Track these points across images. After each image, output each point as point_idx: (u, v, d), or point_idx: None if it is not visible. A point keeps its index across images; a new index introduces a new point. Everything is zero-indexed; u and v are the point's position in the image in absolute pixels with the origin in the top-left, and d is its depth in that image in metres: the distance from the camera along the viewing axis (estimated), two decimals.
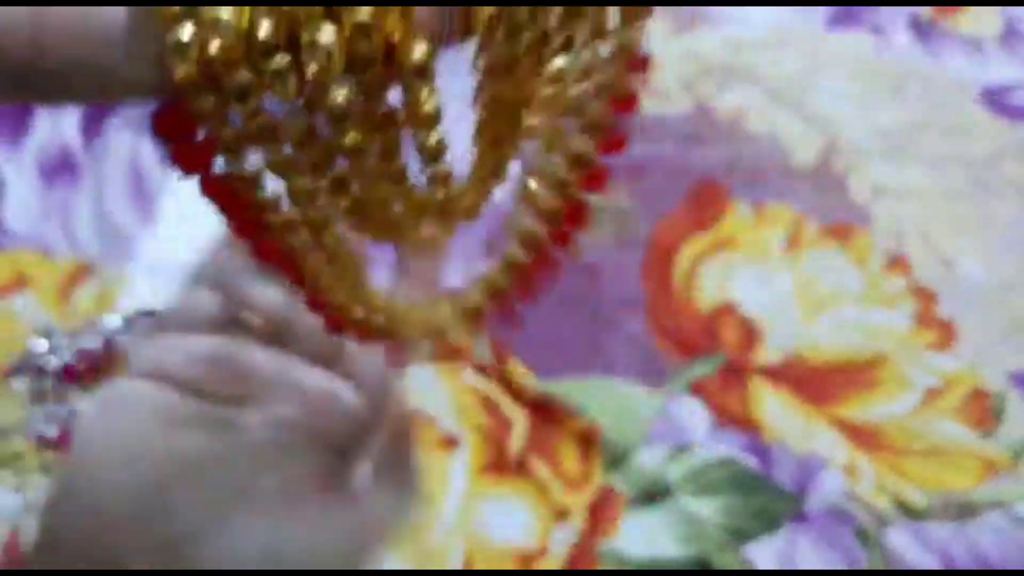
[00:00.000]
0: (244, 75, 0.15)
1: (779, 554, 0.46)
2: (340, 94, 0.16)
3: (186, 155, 0.17)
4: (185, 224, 0.57)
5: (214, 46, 0.15)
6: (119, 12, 0.15)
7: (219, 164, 0.17)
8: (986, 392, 0.51)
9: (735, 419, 0.50)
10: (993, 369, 0.52)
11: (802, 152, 0.62)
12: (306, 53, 0.15)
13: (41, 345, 0.51)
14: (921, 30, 0.68)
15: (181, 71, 0.15)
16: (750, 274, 0.56)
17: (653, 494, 0.48)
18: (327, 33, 0.15)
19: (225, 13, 0.15)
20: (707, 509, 0.48)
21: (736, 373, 0.52)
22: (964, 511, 0.47)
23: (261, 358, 0.31)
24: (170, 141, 0.17)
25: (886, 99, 0.65)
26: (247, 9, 0.15)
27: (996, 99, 0.64)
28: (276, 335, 0.32)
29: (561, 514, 0.47)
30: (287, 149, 0.17)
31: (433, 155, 0.18)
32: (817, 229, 0.58)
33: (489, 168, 0.21)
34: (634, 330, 0.54)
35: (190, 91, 0.15)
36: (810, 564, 0.46)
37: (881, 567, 0.46)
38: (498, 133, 0.20)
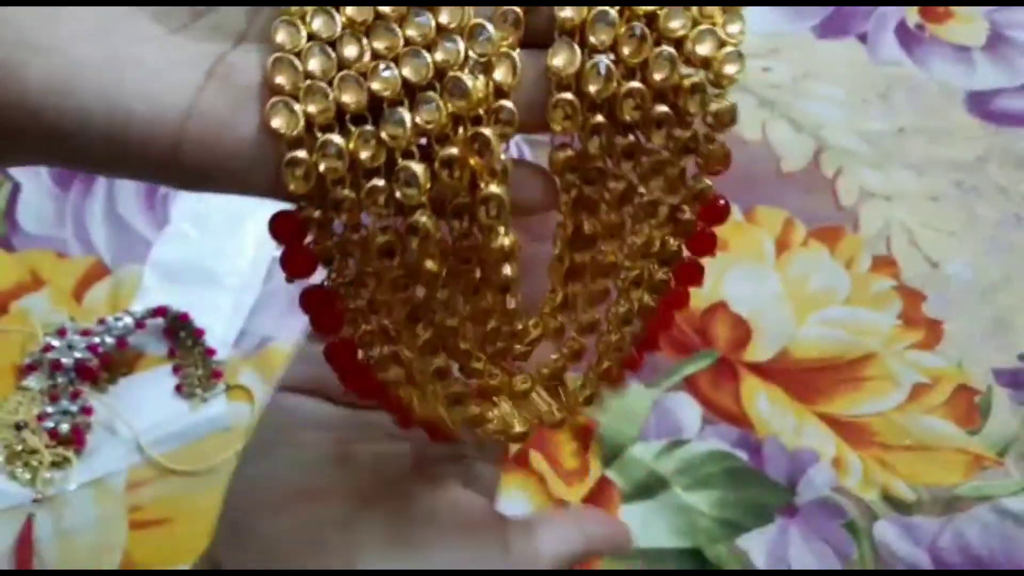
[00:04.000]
0: (345, 192, 0.19)
1: (771, 546, 0.47)
2: (424, 216, 0.19)
3: (293, 260, 0.20)
4: (196, 226, 0.58)
5: (322, 166, 0.18)
6: (250, 127, 0.19)
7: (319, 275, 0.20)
8: (972, 389, 0.52)
9: (727, 415, 0.51)
10: (979, 367, 0.53)
11: (792, 157, 0.63)
12: (398, 179, 0.19)
13: (55, 343, 0.52)
14: (909, 38, 0.69)
15: (293, 184, 0.18)
16: (742, 275, 0.57)
17: (648, 487, 0.49)
18: (417, 164, 0.18)
19: (336, 138, 0.18)
20: (700, 502, 0.49)
21: (728, 370, 0.53)
22: (951, 505, 0.48)
23: None
24: (282, 243, 0.20)
25: (874, 105, 0.65)
26: (354, 135, 0.18)
27: (981, 104, 0.65)
28: None
29: (559, 506, 0.47)
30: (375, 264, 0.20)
31: (501, 287, 0.20)
32: (807, 231, 0.59)
33: (558, 305, 0.23)
34: None
35: (300, 201, 0.19)
36: (801, 556, 0.47)
37: (870, 559, 0.47)
38: (573, 268, 0.22)
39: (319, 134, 0.19)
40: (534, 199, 0.20)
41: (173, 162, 0.19)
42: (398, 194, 0.19)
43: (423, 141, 0.19)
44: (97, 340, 0.51)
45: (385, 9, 0.19)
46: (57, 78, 0.18)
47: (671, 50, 0.19)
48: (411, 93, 0.19)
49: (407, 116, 0.19)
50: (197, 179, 0.19)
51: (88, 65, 0.18)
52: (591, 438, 0.50)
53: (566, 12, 0.19)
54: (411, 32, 0.19)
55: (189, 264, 0.56)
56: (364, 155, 0.19)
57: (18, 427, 0.50)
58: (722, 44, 0.19)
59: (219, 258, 0.56)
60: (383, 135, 0.19)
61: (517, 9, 0.19)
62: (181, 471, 0.50)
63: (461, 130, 0.19)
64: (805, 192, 0.61)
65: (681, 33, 0.19)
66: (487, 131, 0.19)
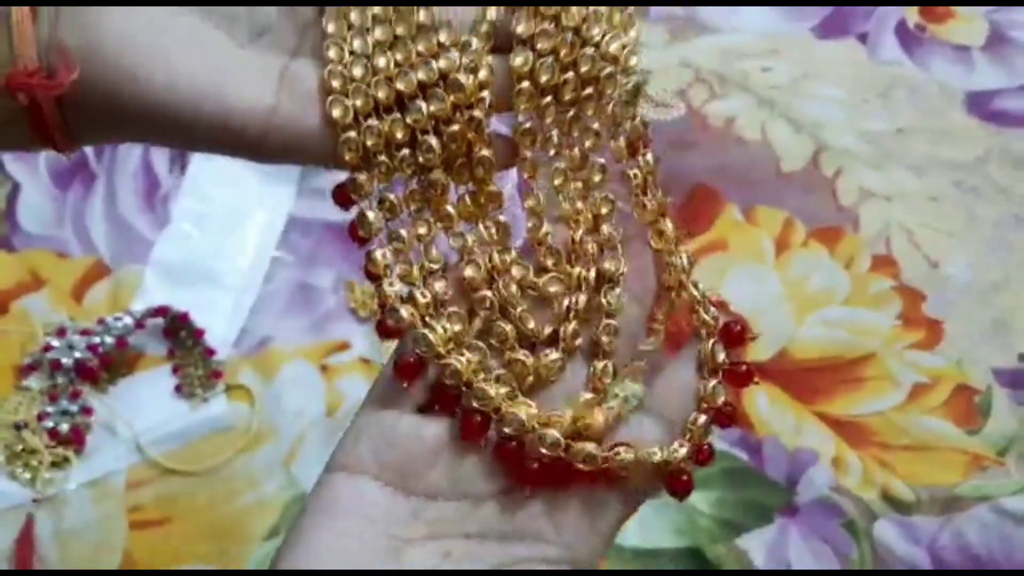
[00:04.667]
0: (383, 159, 0.27)
1: (770, 545, 0.47)
2: (439, 173, 0.28)
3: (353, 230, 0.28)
4: (196, 226, 0.58)
5: (369, 142, 0.27)
6: (316, 118, 0.27)
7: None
8: (971, 389, 0.53)
9: None
10: (978, 367, 0.53)
11: (792, 157, 0.63)
12: (420, 149, 0.27)
13: (55, 343, 0.52)
14: (908, 38, 0.69)
15: (347, 156, 0.27)
16: (742, 275, 0.57)
17: None
18: (433, 138, 0.27)
19: (375, 123, 0.27)
20: (700, 502, 0.49)
21: None
22: (950, 505, 0.49)
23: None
24: (341, 206, 0.28)
25: (874, 105, 0.65)
26: (387, 120, 0.27)
27: (981, 105, 0.65)
28: None
29: None
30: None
31: (500, 232, 0.29)
32: (806, 231, 0.59)
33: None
34: None
35: (352, 167, 0.27)
36: (801, 555, 0.47)
37: (870, 558, 0.47)
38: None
39: (363, 120, 0.27)
40: (504, 157, 0.28)
41: (262, 144, 0.26)
42: (421, 159, 0.28)
43: (433, 122, 0.28)
44: (97, 340, 0.51)
45: (401, 31, 0.27)
46: (176, 81, 0.25)
47: (591, 50, 0.28)
48: (423, 89, 0.27)
49: (424, 106, 0.27)
50: (278, 156, 0.27)
51: (197, 72, 0.25)
52: None
53: (520, 28, 0.27)
54: (421, 47, 0.27)
55: (189, 264, 0.56)
56: (398, 135, 0.27)
57: (18, 427, 0.50)
58: (624, 45, 0.28)
59: (219, 258, 0.56)
60: (408, 120, 0.27)
61: (491, 19, 0.28)
62: (181, 471, 0.50)
63: (459, 114, 0.27)
64: (805, 192, 0.61)
65: (598, 39, 0.27)
66: (478, 113, 0.27)
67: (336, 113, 0.27)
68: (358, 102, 0.27)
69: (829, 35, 0.69)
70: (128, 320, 0.52)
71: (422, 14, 0.27)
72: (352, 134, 0.27)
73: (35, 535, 0.47)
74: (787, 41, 0.69)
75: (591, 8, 0.28)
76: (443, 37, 0.27)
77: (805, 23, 0.70)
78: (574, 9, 0.27)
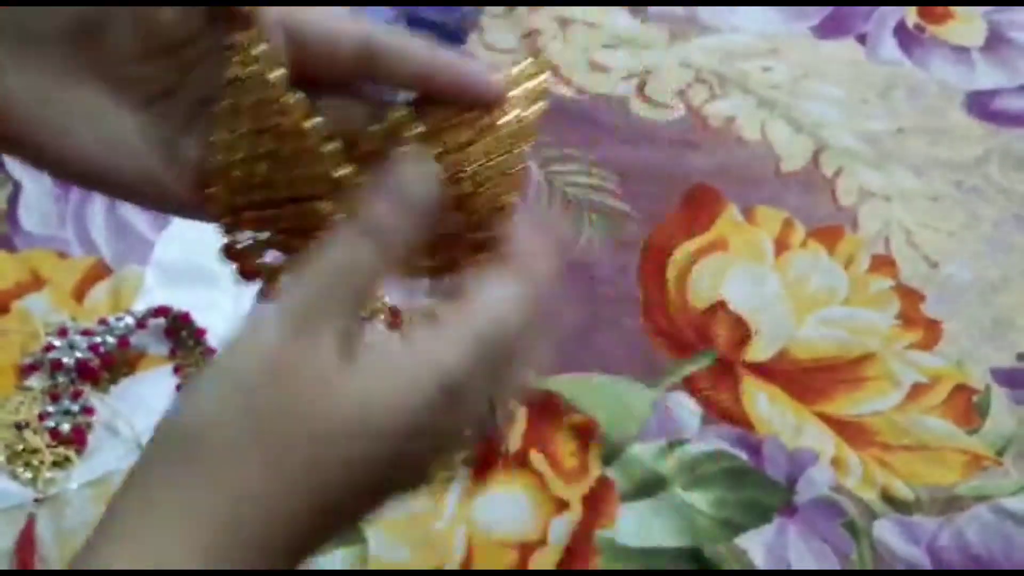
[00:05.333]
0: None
1: (769, 545, 0.47)
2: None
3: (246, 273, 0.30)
4: (196, 227, 0.58)
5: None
6: (200, 199, 0.28)
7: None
8: (970, 389, 0.53)
9: (727, 414, 0.52)
10: (977, 366, 0.53)
11: (792, 157, 0.63)
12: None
13: (57, 343, 0.52)
14: (908, 38, 0.70)
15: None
16: (741, 275, 0.57)
17: (648, 486, 0.49)
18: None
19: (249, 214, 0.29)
20: (700, 501, 0.49)
21: (728, 370, 0.53)
22: (950, 504, 0.49)
23: None
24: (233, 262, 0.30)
25: (873, 105, 0.66)
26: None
27: (981, 105, 0.65)
28: None
29: (560, 505, 0.48)
30: None
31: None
32: (806, 231, 0.59)
33: None
34: (630, 329, 0.55)
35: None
36: (800, 555, 0.47)
37: (869, 558, 0.47)
38: None
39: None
40: None
41: (161, 209, 0.29)
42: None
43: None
44: (98, 340, 0.51)
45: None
46: (67, 157, 0.26)
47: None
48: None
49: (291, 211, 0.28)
50: (185, 218, 0.29)
51: (87, 149, 0.26)
52: (592, 437, 0.50)
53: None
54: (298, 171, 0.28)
55: (190, 264, 0.56)
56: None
57: (19, 427, 0.50)
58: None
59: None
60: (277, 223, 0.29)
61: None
62: None
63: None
64: (804, 192, 0.61)
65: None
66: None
67: (213, 212, 0.28)
68: (237, 199, 0.28)
69: (829, 35, 0.69)
70: (129, 320, 0.52)
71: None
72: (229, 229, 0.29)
73: (36, 535, 0.47)
74: (787, 41, 0.69)
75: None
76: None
77: (805, 23, 0.70)
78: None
